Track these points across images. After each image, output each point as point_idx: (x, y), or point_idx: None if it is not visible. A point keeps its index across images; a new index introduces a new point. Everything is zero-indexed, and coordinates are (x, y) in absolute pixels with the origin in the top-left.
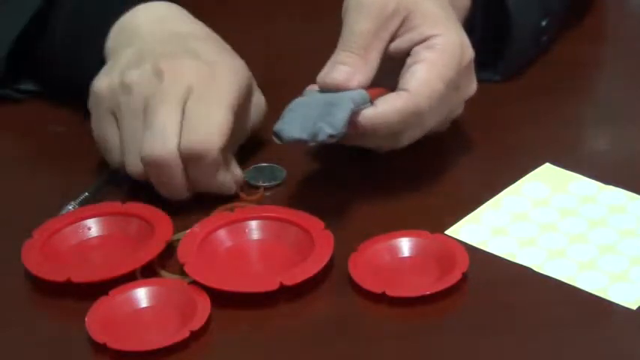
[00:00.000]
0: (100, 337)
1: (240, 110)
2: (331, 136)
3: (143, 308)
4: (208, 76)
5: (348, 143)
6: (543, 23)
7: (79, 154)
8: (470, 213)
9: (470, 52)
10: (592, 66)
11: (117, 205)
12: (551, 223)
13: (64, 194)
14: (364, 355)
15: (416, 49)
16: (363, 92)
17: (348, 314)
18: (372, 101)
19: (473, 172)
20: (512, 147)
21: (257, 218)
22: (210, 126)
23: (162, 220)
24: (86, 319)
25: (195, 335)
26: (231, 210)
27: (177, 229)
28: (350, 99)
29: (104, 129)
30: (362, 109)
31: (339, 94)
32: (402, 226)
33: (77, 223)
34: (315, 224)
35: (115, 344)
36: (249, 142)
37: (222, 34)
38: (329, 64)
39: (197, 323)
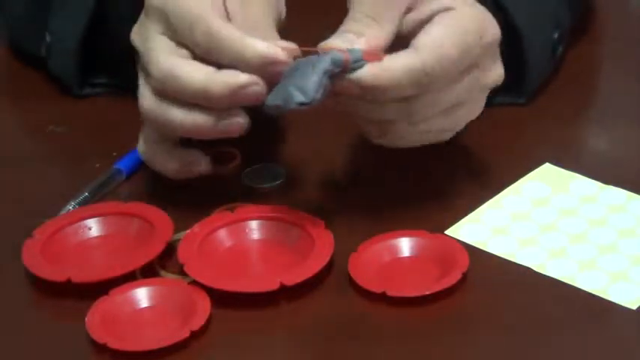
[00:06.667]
0: (100, 337)
1: None
2: (302, 103)
3: (143, 308)
4: None
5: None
6: (555, 36)
7: (79, 154)
8: (470, 213)
9: (495, 30)
10: (592, 66)
11: (117, 205)
12: (551, 223)
13: (64, 194)
14: (364, 355)
15: (435, 17)
16: (356, 49)
17: (348, 314)
18: (365, 60)
19: (473, 172)
20: (512, 147)
21: (257, 218)
22: None
23: (162, 220)
24: (86, 319)
25: (195, 335)
26: (231, 210)
27: (177, 229)
28: (329, 58)
29: None
30: (355, 68)
31: (321, 56)
32: (402, 226)
33: (77, 223)
34: (315, 224)
35: (115, 344)
36: (249, 142)
37: None
38: (335, 34)
39: (197, 323)
